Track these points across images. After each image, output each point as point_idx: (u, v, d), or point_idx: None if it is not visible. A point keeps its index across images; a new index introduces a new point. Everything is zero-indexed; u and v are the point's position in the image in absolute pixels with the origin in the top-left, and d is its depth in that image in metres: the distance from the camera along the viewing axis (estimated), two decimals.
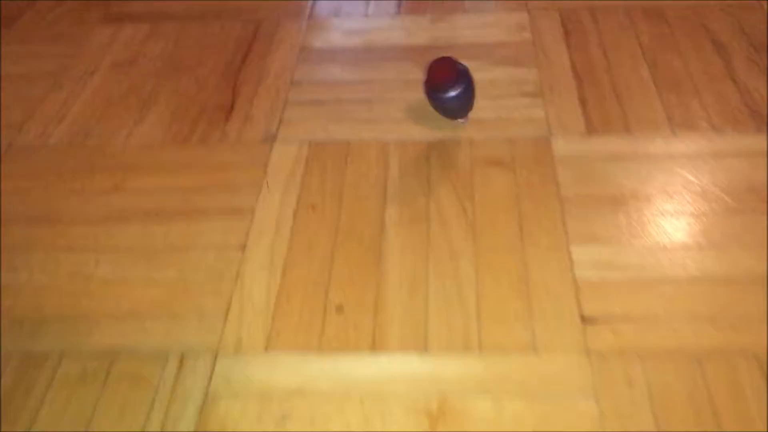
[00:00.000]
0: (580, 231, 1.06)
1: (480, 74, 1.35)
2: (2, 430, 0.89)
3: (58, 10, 1.68)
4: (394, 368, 0.92)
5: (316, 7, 1.63)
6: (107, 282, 1.05)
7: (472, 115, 1.27)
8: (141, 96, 1.40)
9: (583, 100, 1.29)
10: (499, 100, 1.31)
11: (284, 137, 1.27)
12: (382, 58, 1.44)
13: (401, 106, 1.32)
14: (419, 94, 1.33)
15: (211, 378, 0.92)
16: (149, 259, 1.08)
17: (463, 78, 1.18)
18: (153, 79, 1.44)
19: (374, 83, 1.38)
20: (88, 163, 1.25)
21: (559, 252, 1.03)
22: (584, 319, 0.95)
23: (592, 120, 1.25)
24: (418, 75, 1.39)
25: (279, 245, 1.08)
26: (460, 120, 1.28)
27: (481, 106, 1.29)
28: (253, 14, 1.61)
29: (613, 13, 1.51)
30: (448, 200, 1.13)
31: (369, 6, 1.61)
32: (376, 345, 0.95)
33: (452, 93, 1.17)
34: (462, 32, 1.50)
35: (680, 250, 1.03)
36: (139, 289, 1.04)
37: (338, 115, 1.31)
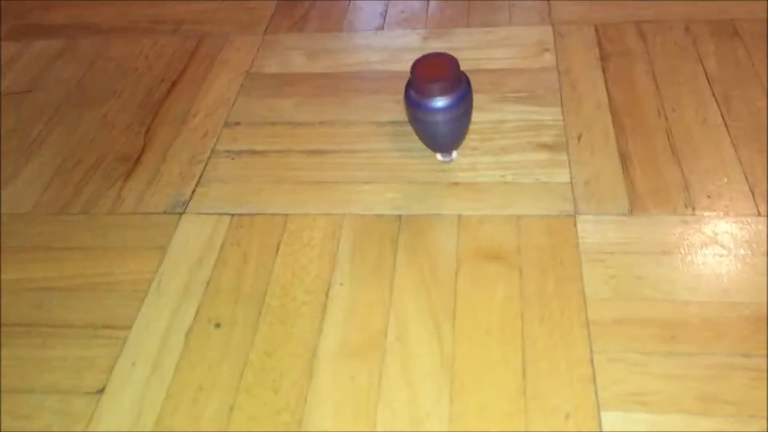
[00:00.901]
0: (618, 386, 0.67)
1: (481, 114, 0.96)
2: None
3: None
4: None
5: (277, 17, 1.26)
6: None
7: (464, 177, 0.89)
8: (25, 138, 1.04)
9: (625, 157, 0.90)
10: (505, 154, 0.92)
11: (199, 206, 0.90)
12: (353, 90, 1.06)
13: (367, 160, 0.94)
14: (394, 142, 0.95)
15: None
16: None
17: (462, 86, 0.83)
18: (48, 115, 1.08)
19: (335, 126, 1.00)
20: None
21: (585, 422, 0.64)
22: None
23: (637, 189, 0.86)
24: (397, 115, 1.01)
25: (154, 389, 0.71)
26: (443, 157, 0.92)
27: (478, 163, 0.91)
28: (197, 27, 1.25)
29: (667, 30, 1.11)
30: (418, 317, 0.75)
31: (345, 16, 1.23)
32: None
33: (443, 102, 0.81)
34: (463, 53, 1.11)
35: None
36: None
37: (279, 173, 0.94)
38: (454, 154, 0.93)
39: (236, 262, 0.83)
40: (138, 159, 0.98)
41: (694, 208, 0.83)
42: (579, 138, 0.94)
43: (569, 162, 0.90)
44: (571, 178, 0.88)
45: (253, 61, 1.15)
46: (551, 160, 0.91)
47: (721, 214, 0.82)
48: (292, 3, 1.29)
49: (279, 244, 0.84)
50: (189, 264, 0.83)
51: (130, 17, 1.30)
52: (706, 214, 0.82)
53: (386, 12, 1.24)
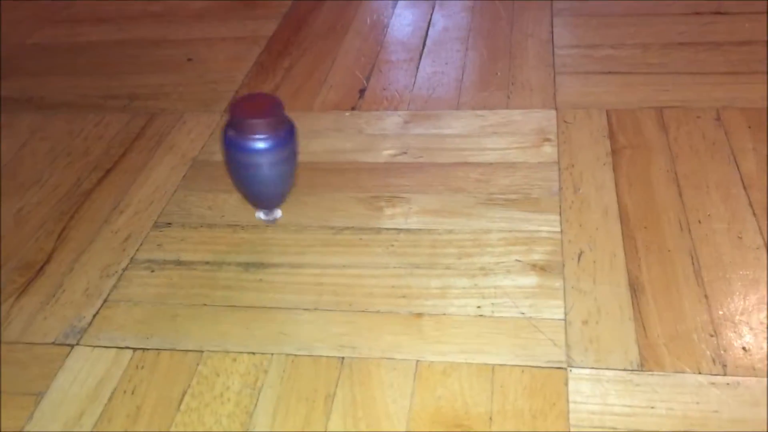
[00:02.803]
0: None
1: (459, 221, 0.78)
2: None
3: None
4: None
5: (243, 92, 1.09)
6: None
7: (430, 306, 0.70)
8: None
9: (636, 287, 0.70)
10: (485, 277, 0.73)
11: (97, 335, 0.72)
12: (311, 185, 0.89)
13: (313, 278, 0.76)
14: (349, 255, 0.77)
15: None
16: None
17: (286, 126, 0.77)
18: None
19: (283, 231, 0.82)
20: None
21: None
22: None
23: (650, 334, 0.66)
24: (359, 219, 0.82)
25: None
26: (265, 215, 0.83)
27: (450, 287, 0.71)
28: (151, 103, 1.09)
29: (694, 119, 0.92)
30: None
31: (320, 92, 1.06)
32: None
33: (265, 143, 0.74)
34: (448, 141, 0.94)
35: None
36: None
37: (203, 292, 0.76)
38: (279, 212, 0.83)
39: (125, 419, 0.64)
40: (41, 268, 0.81)
41: (725, 365, 0.62)
42: (579, 257, 0.74)
43: (564, 290, 0.71)
44: (566, 313, 0.68)
45: (203, 145, 0.98)
46: (542, 286, 0.72)
47: (761, 371, 0.62)
48: (263, 75, 1.13)
49: (184, 394, 0.65)
50: (65, 419, 0.64)
51: (79, 90, 1.15)
52: (741, 373, 0.62)
53: (365, 89, 1.07)
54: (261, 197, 0.82)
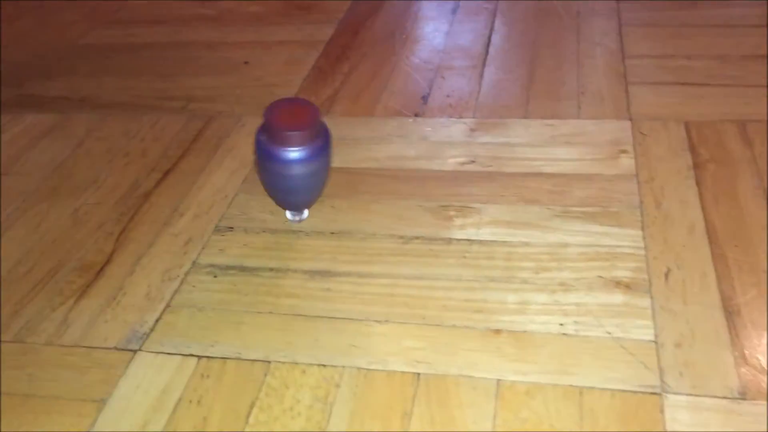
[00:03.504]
0: None
1: (535, 234, 0.74)
2: None
3: None
4: None
5: (301, 97, 1.07)
6: None
7: (509, 322, 0.66)
8: None
9: (730, 308, 0.66)
10: (566, 293, 0.69)
11: (160, 341, 0.69)
12: (376, 192, 0.86)
13: (383, 289, 0.73)
14: (420, 266, 0.73)
15: None
16: None
17: (321, 137, 0.75)
18: (14, 205, 0.90)
19: (349, 239, 0.79)
20: None
21: None
22: None
23: (750, 360, 0.61)
24: (428, 228, 0.79)
25: None
26: (292, 215, 0.82)
27: (529, 303, 0.68)
28: (208, 105, 1.07)
29: None
30: None
31: (380, 98, 1.03)
32: None
33: (301, 153, 0.73)
34: (517, 151, 0.90)
35: None
36: None
37: (269, 300, 0.73)
38: (306, 213, 0.82)
39: (194, 421, 0.61)
40: (101, 270, 0.79)
41: None
42: (666, 275, 0.70)
43: (653, 310, 0.67)
44: (656, 335, 0.64)
45: None
46: (628, 305, 0.67)
47: None
48: (321, 80, 1.10)
49: (252, 407, 0.62)
50: (129, 428, 0.61)
51: (135, 91, 1.13)
52: None
53: (429, 95, 1.03)
54: (290, 202, 0.80)
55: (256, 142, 0.75)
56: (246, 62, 1.19)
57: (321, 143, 0.74)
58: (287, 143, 0.72)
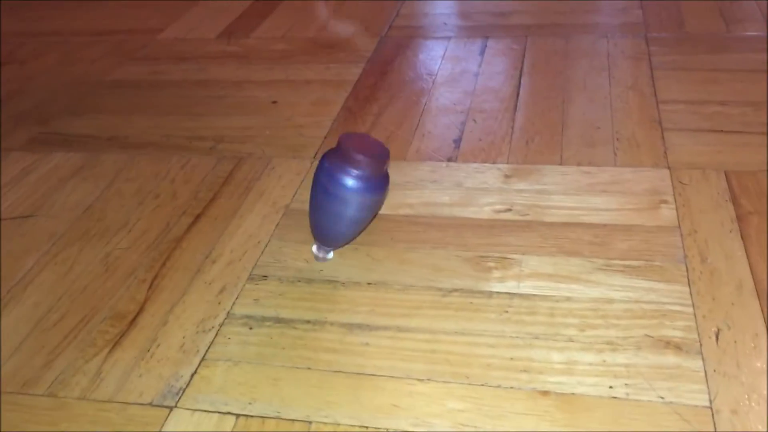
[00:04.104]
0: None
1: (578, 288, 0.72)
2: None
3: None
4: None
5: (331, 139, 1.06)
6: None
7: (556, 383, 0.64)
8: (10, 278, 0.85)
9: None
10: (613, 353, 0.67)
11: (197, 397, 0.67)
12: (411, 240, 0.84)
13: (424, 344, 0.71)
14: (461, 320, 0.71)
15: None
16: None
17: (385, 174, 0.77)
18: (44, 248, 0.89)
19: (386, 290, 0.78)
20: None
21: None
22: None
23: None
24: (467, 279, 0.77)
25: None
26: (319, 251, 0.81)
27: (577, 363, 0.66)
28: (237, 146, 1.06)
29: None
30: None
31: (412, 141, 1.02)
32: None
33: (366, 181, 0.73)
34: (554, 199, 0.88)
35: None
36: None
37: (306, 354, 0.71)
38: (331, 254, 0.82)
39: None
40: (134, 320, 0.77)
41: None
42: (717, 336, 0.68)
43: (706, 373, 0.65)
44: (711, 400, 0.62)
45: (295, 193, 0.95)
46: (679, 367, 0.65)
47: None
48: (351, 121, 1.09)
49: None
50: None
51: (163, 130, 1.12)
52: None
53: (461, 139, 1.02)
54: (329, 234, 0.78)
55: (319, 167, 0.75)
56: (274, 102, 1.18)
57: (384, 180, 0.76)
58: (359, 165, 0.73)
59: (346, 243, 0.82)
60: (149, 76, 1.31)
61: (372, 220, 0.78)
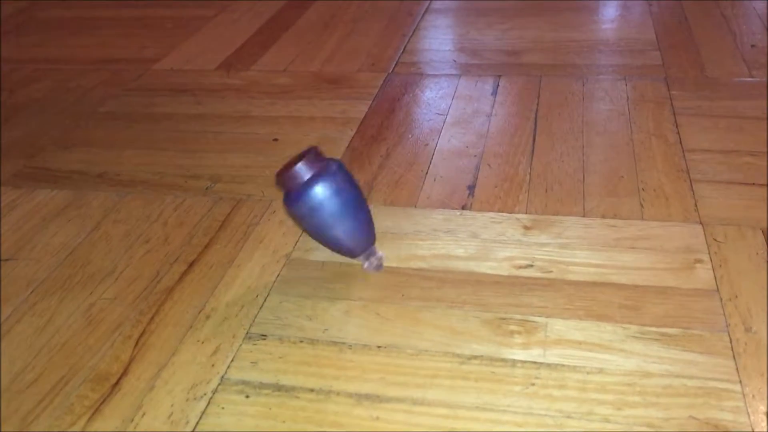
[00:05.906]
0: None
1: (610, 358, 0.65)
2: None
3: None
4: None
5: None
6: None
7: None
8: None
9: None
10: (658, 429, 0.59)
11: None
12: (425, 298, 0.77)
13: (443, 421, 0.63)
14: (480, 392, 0.64)
15: None
16: None
17: (329, 163, 0.74)
18: (21, 297, 0.81)
19: (399, 356, 0.70)
20: None
21: None
22: None
23: None
24: (488, 345, 0.70)
25: None
26: (366, 262, 0.80)
27: None
28: (235, 186, 0.99)
29: None
30: None
31: (422, 187, 0.95)
32: None
33: (308, 183, 0.73)
34: (579, 255, 0.81)
35: None
36: None
37: (312, 429, 0.63)
38: (380, 253, 0.82)
39: None
40: (117, 383, 0.69)
41: None
42: None
43: None
44: None
45: (297, 241, 0.87)
46: None
47: None
48: (357, 162, 1.03)
49: None
50: None
51: (156, 167, 1.05)
52: None
53: (475, 185, 0.96)
54: (342, 242, 0.77)
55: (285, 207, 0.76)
56: (275, 139, 1.12)
57: (329, 167, 0.73)
58: (293, 179, 0.72)
59: (368, 231, 0.78)
60: (144, 108, 1.24)
61: (363, 202, 0.77)
